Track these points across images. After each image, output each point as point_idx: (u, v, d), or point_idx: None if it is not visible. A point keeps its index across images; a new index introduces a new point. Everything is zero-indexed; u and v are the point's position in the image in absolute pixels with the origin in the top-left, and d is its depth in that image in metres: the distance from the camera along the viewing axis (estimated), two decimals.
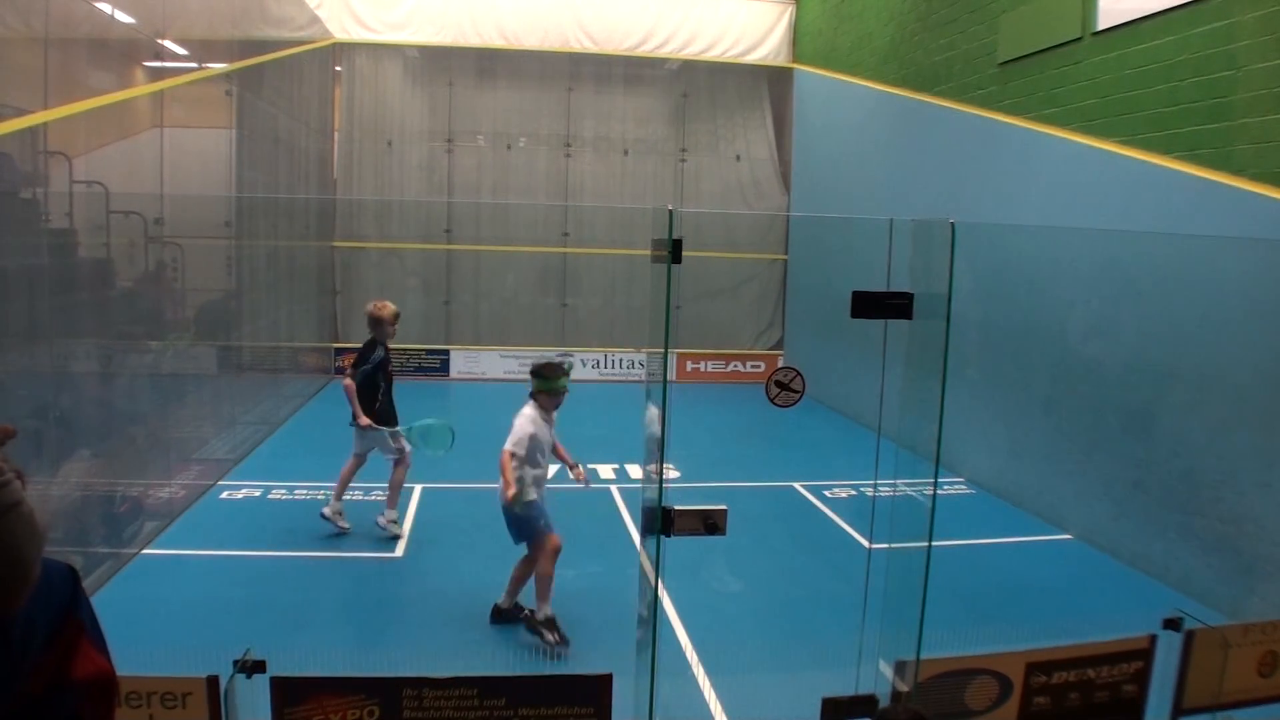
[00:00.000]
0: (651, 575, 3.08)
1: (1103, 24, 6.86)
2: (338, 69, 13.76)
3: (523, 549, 5.06)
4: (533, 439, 4.92)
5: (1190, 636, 3.29)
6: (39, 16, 5.14)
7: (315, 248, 12.88)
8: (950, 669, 3.16)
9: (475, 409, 11.69)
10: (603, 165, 14.66)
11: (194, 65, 8.11)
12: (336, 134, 13.78)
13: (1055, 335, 7.36)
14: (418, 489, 7.83)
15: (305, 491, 7.70)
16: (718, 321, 14.63)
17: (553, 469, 5.22)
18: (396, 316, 6.70)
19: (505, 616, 5.10)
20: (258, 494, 7.60)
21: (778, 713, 3.54)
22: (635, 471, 8.62)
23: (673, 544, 2.97)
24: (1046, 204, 7.53)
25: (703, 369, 14.53)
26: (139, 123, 6.82)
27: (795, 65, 14.03)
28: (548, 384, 5.04)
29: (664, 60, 14.32)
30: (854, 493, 8.12)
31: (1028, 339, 7.75)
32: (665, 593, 3.80)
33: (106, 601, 4.42)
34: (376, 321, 6.69)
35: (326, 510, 6.66)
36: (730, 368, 14.66)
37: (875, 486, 3.65)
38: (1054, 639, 3.30)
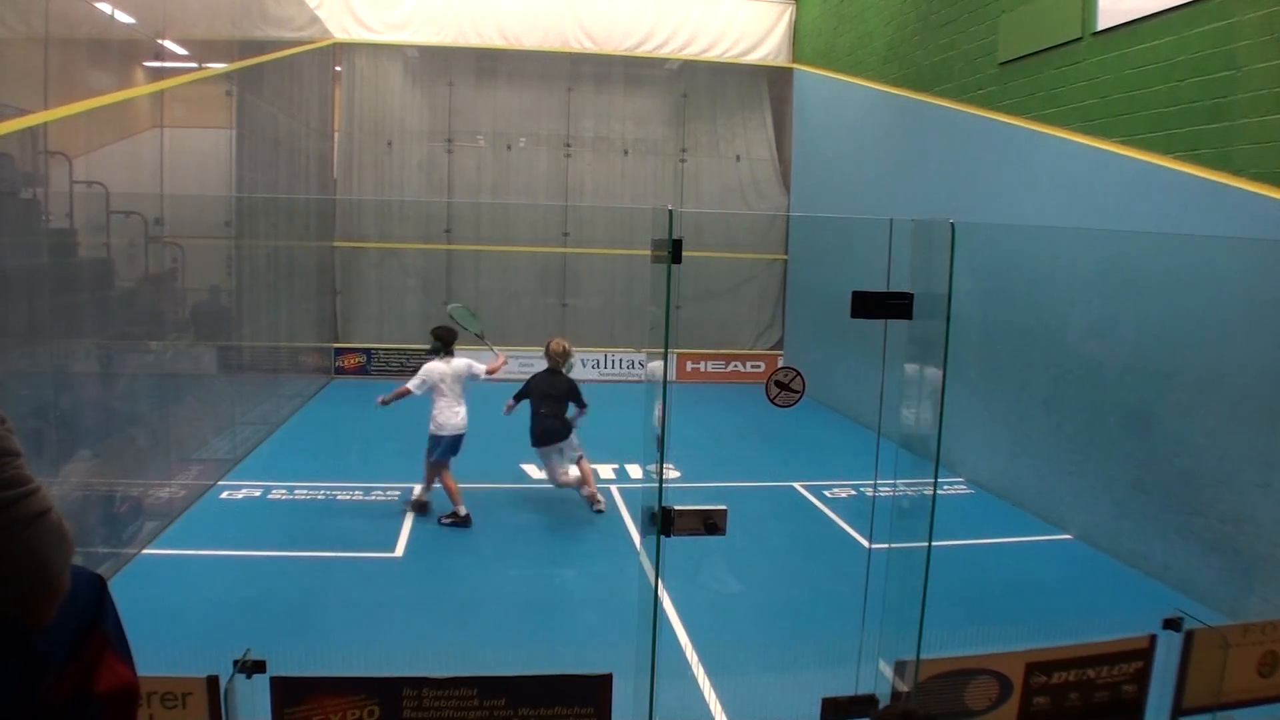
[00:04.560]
0: (651, 575, 3.08)
1: (1103, 24, 6.86)
2: (338, 69, 13.76)
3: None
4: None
5: (1190, 636, 3.28)
6: (39, 16, 5.14)
7: (315, 248, 12.88)
8: (950, 669, 3.16)
9: (474, 409, 11.70)
10: (603, 165, 14.66)
11: (194, 65, 8.11)
12: (336, 134, 13.77)
13: (1055, 335, 7.36)
14: (418, 489, 7.82)
15: (305, 491, 7.70)
16: (718, 321, 14.62)
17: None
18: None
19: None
20: (258, 494, 7.61)
21: (778, 713, 3.54)
22: (635, 471, 8.63)
23: (673, 544, 2.97)
24: (1046, 204, 7.53)
25: (703, 369, 14.53)
26: (139, 123, 6.82)
27: (795, 65, 14.03)
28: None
29: (664, 60, 14.32)
30: (854, 493, 8.12)
31: (1028, 339, 7.75)
32: (665, 593, 3.81)
33: None
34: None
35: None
36: (730, 368, 14.66)
37: (875, 486, 3.64)
38: (1054, 639, 3.30)
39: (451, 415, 6.89)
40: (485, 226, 14.41)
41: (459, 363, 7.04)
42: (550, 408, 7.11)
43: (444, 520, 6.94)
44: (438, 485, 7.07)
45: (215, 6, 8.41)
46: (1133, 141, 6.52)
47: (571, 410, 7.26)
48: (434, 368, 6.94)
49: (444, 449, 6.94)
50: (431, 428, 6.95)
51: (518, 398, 7.26)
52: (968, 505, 7.93)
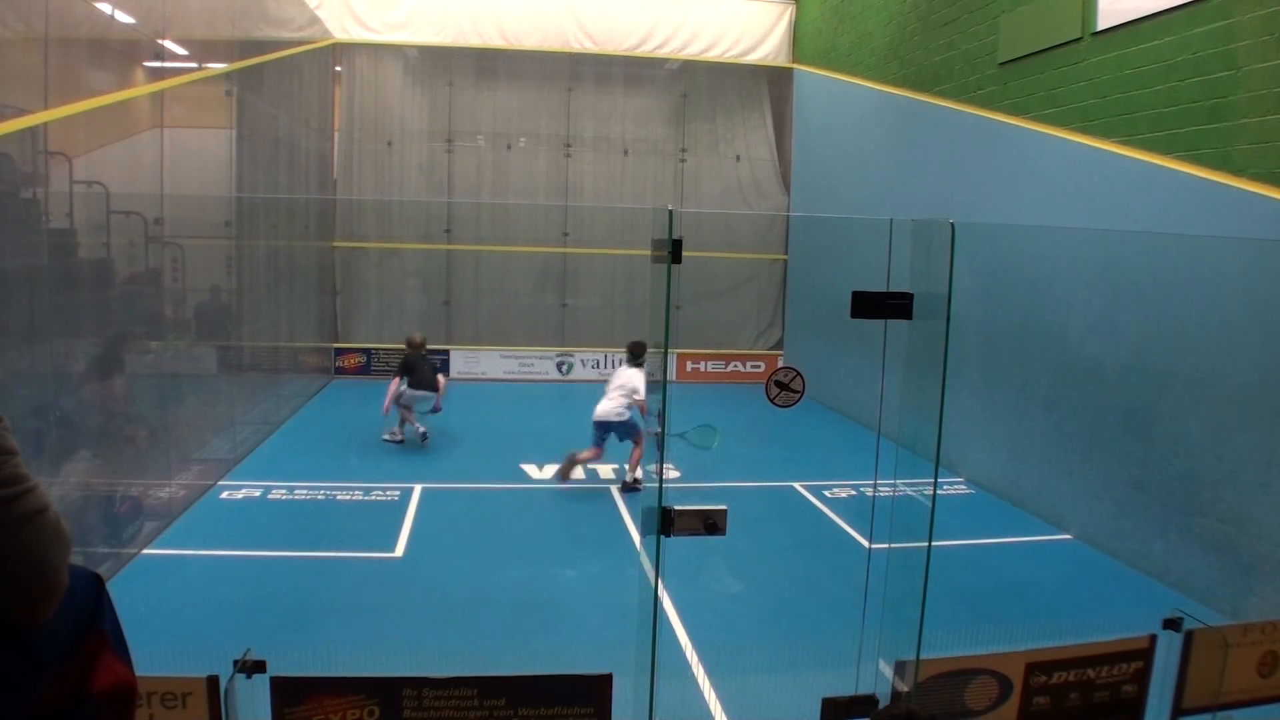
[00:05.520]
0: (651, 575, 3.08)
1: (1103, 24, 6.87)
2: (338, 69, 13.75)
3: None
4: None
5: (1190, 636, 3.29)
6: (39, 16, 5.14)
7: (315, 248, 12.88)
8: (950, 669, 3.16)
9: (475, 409, 11.67)
10: (603, 165, 14.65)
11: (194, 65, 8.11)
12: (336, 134, 13.76)
13: (1055, 335, 7.36)
14: (418, 489, 7.84)
15: (305, 491, 7.70)
16: (718, 321, 14.62)
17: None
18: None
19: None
20: (258, 494, 7.61)
21: (778, 713, 3.54)
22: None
23: (673, 544, 2.98)
24: (1046, 204, 7.53)
25: (703, 369, 14.52)
26: (139, 123, 6.82)
27: (795, 65, 14.04)
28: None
29: (664, 60, 14.31)
30: (854, 493, 8.12)
31: (1028, 339, 7.76)
32: (665, 593, 3.80)
33: None
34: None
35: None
36: (730, 368, 14.65)
37: (875, 486, 3.64)
38: (1054, 639, 3.30)
39: (603, 404, 8.12)
40: (485, 226, 14.40)
41: (634, 372, 8.22)
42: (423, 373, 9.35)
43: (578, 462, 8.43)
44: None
45: (215, 6, 8.41)
46: (1133, 141, 6.52)
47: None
48: (625, 371, 8.32)
49: (594, 429, 8.23)
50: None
51: (401, 374, 9.29)
52: (968, 505, 7.93)
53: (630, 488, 8.07)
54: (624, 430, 8.18)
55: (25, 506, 1.12)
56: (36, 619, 1.14)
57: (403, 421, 9.45)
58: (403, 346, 14.32)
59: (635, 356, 8.38)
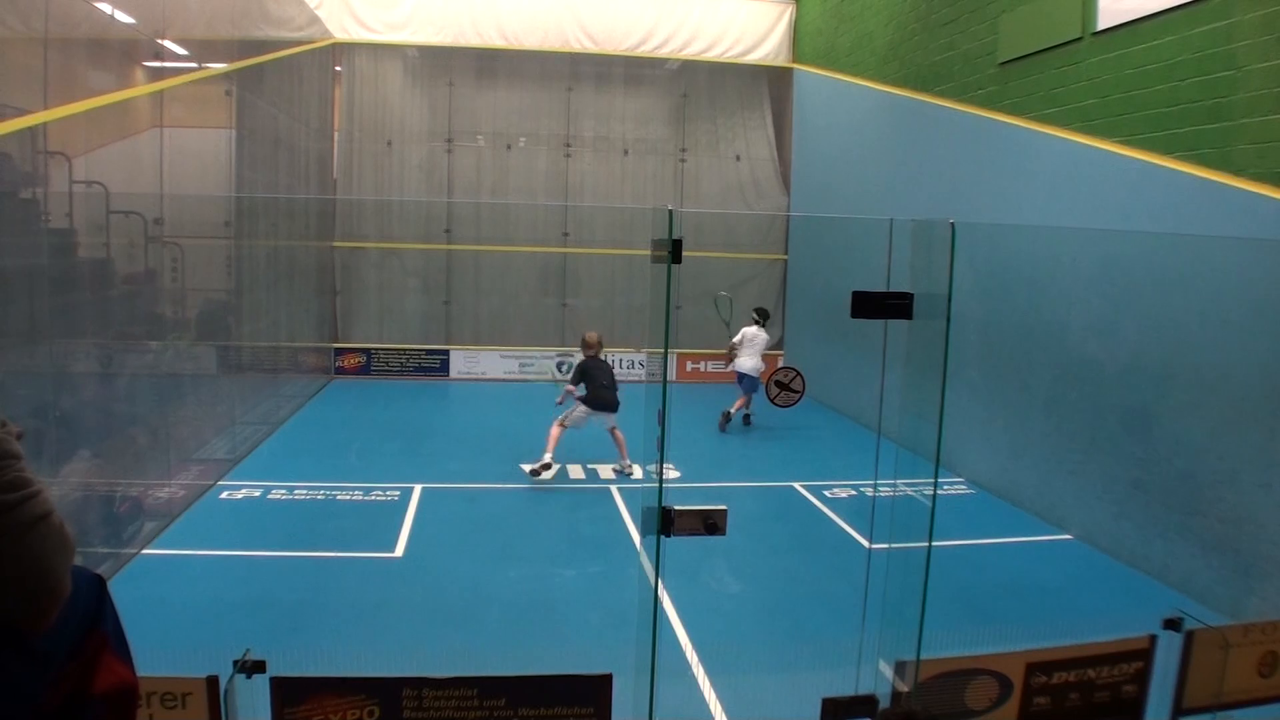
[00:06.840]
0: (651, 575, 3.08)
1: (1103, 24, 6.86)
2: (338, 69, 13.75)
3: None
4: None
5: (1190, 636, 3.28)
6: (39, 16, 5.14)
7: (315, 248, 12.88)
8: (950, 669, 3.16)
9: (475, 409, 11.67)
10: (603, 165, 14.65)
11: (194, 65, 8.11)
12: (336, 134, 13.76)
13: (1055, 335, 7.36)
14: (418, 489, 7.83)
15: (305, 491, 7.70)
16: (718, 321, 14.59)
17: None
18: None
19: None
20: (258, 494, 7.61)
21: (778, 713, 3.54)
22: (635, 471, 8.63)
23: (673, 544, 2.98)
24: (1046, 204, 7.53)
25: (703, 369, 14.52)
26: (139, 123, 6.82)
27: (795, 65, 14.03)
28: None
29: (664, 60, 14.31)
30: (854, 493, 8.12)
31: (1028, 339, 7.75)
32: (665, 593, 3.80)
33: None
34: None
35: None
36: (731, 368, 14.62)
37: (875, 486, 3.65)
38: (1054, 639, 3.30)
39: (746, 361, 10.62)
40: (485, 226, 14.40)
41: (749, 330, 10.69)
42: (602, 383, 8.59)
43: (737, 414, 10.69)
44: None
45: (215, 6, 8.40)
46: (1133, 141, 6.52)
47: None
48: (750, 331, 10.64)
49: (749, 383, 10.56)
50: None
51: (575, 381, 8.65)
52: (968, 505, 7.93)
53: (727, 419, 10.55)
54: (744, 381, 10.54)
55: (29, 512, 1.12)
56: (40, 624, 1.14)
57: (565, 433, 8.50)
58: (403, 346, 14.53)
59: (764, 318, 10.91)
